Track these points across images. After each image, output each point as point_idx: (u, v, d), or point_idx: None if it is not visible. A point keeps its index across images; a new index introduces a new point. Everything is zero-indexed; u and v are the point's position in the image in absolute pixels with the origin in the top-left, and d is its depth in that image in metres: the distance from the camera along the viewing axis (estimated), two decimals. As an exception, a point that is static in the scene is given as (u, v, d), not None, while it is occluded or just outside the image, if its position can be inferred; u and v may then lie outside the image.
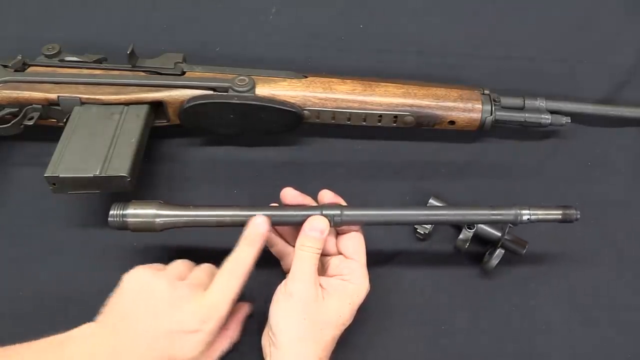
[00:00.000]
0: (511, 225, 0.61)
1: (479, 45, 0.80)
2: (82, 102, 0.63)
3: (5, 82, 0.64)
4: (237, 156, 0.72)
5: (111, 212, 0.53)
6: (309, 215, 0.54)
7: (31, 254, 0.63)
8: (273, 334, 0.50)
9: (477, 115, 0.68)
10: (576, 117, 0.72)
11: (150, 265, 0.53)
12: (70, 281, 0.61)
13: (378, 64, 0.78)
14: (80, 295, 0.57)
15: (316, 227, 0.53)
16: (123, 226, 0.53)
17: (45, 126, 0.66)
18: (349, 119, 0.68)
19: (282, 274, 0.59)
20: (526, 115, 0.70)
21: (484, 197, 0.69)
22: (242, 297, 0.60)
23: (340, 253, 0.56)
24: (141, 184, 0.63)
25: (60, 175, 0.57)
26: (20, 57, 0.65)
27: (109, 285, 0.52)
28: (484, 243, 0.64)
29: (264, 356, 0.52)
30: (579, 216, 0.55)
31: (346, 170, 0.71)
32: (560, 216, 0.55)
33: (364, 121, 0.69)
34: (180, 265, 0.54)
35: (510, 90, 0.72)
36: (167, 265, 0.54)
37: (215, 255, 0.62)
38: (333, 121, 0.69)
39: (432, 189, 0.68)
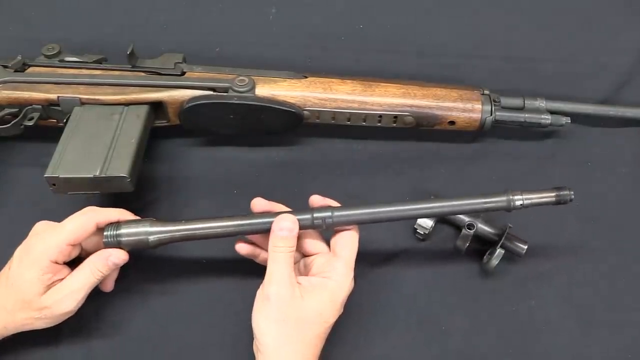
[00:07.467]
0: (510, 226, 0.62)
1: (479, 45, 0.80)
2: (82, 103, 0.63)
3: (5, 82, 0.64)
4: (237, 156, 0.72)
5: (105, 234, 0.53)
6: (298, 219, 0.53)
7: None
8: (257, 340, 0.50)
9: (477, 116, 0.68)
10: (576, 117, 0.73)
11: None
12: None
13: (378, 64, 0.78)
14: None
15: (284, 226, 0.52)
16: (118, 246, 0.53)
17: (45, 126, 0.66)
18: (349, 119, 0.68)
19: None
20: (526, 115, 0.70)
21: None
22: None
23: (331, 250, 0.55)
24: (141, 184, 0.63)
25: (61, 176, 0.57)
26: (20, 57, 0.65)
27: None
28: (484, 243, 0.64)
29: None
30: (572, 197, 0.54)
31: (346, 171, 0.71)
32: (554, 198, 0.54)
33: (364, 121, 0.69)
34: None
35: (510, 90, 0.72)
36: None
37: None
38: (333, 121, 0.69)
39: (432, 189, 0.68)
